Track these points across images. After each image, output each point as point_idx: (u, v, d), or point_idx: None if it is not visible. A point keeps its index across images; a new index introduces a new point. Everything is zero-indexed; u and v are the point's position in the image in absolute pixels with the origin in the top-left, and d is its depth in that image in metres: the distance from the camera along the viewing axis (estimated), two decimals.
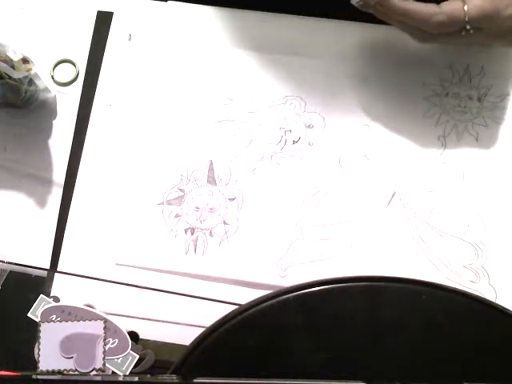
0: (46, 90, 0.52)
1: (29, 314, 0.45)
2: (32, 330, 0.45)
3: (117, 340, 0.44)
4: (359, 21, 0.53)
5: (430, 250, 0.47)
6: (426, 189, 0.49)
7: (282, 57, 0.52)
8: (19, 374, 0.38)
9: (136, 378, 0.42)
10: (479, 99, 0.51)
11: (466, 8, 0.42)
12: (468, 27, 0.43)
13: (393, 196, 0.48)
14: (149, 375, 0.43)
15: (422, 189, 0.49)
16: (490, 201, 0.48)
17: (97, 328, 0.44)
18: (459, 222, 0.47)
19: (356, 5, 0.45)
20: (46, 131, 0.52)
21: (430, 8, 0.43)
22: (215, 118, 0.51)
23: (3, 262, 0.48)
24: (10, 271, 0.48)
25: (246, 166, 0.50)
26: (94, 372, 0.43)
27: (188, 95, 0.52)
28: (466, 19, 0.42)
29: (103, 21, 0.54)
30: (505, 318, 0.42)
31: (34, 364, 0.43)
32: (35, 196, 0.50)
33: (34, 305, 0.45)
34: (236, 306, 0.44)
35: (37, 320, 0.45)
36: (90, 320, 0.44)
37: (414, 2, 0.43)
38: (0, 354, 0.46)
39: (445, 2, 0.43)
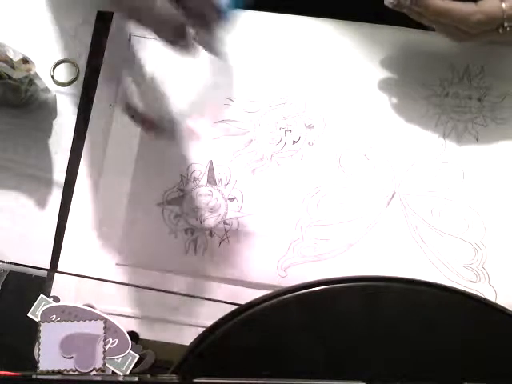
0: (46, 90, 0.52)
1: (29, 314, 0.45)
2: (32, 330, 0.45)
3: (117, 340, 0.44)
4: (359, 21, 0.53)
5: (430, 250, 0.47)
6: (425, 189, 0.49)
7: (282, 56, 0.52)
8: (19, 373, 0.38)
9: (136, 378, 0.42)
10: (479, 99, 0.51)
11: (503, 6, 0.42)
12: (506, 25, 0.43)
13: (393, 196, 0.48)
14: (149, 375, 0.43)
15: (422, 189, 0.49)
16: (490, 201, 0.48)
17: (97, 328, 0.44)
18: (459, 222, 0.47)
19: (389, 5, 0.44)
20: (46, 131, 0.52)
21: (468, 7, 0.42)
22: (215, 117, 0.51)
23: (3, 262, 0.48)
24: (10, 271, 0.48)
25: (246, 166, 0.50)
26: (94, 372, 0.43)
27: (188, 95, 0.52)
28: (504, 17, 0.42)
29: (103, 21, 0.54)
30: (505, 318, 0.42)
31: (34, 364, 0.43)
32: (35, 196, 0.50)
33: (34, 305, 0.45)
34: (236, 306, 0.44)
35: (37, 320, 0.45)
36: (89, 320, 0.44)
37: (452, 2, 0.43)
38: (0, 354, 0.46)
39: (482, 1, 0.43)
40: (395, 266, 0.47)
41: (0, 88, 0.47)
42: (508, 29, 0.43)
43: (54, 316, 0.45)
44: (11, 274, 0.48)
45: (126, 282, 0.47)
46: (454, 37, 0.46)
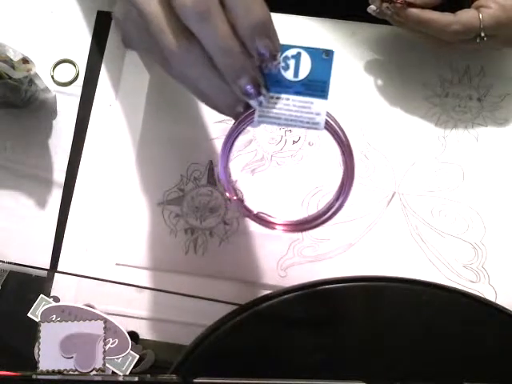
0: (46, 89, 0.52)
1: (29, 314, 0.45)
2: (32, 330, 0.45)
3: (117, 340, 0.44)
4: (359, 21, 0.53)
5: (430, 250, 0.47)
6: (425, 189, 0.49)
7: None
8: (19, 373, 0.38)
9: (136, 378, 0.42)
10: (479, 99, 0.51)
11: (480, 17, 0.43)
12: (482, 35, 0.44)
13: (393, 196, 0.48)
14: (149, 375, 0.43)
15: (422, 189, 0.49)
16: (490, 201, 0.48)
17: (97, 328, 0.44)
18: (459, 222, 0.47)
19: (372, 13, 0.46)
20: (46, 131, 0.52)
21: (446, 17, 0.44)
22: (215, 118, 0.51)
23: (3, 261, 0.48)
24: (10, 271, 0.48)
25: (246, 166, 0.50)
26: (94, 372, 0.43)
27: (188, 95, 0.52)
28: (481, 27, 0.43)
29: (103, 21, 0.54)
30: (505, 318, 0.42)
31: (34, 364, 0.43)
32: (35, 196, 0.50)
33: (34, 305, 0.45)
34: (236, 306, 0.44)
35: (37, 320, 0.45)
36: (90, 320, 0.44)
37: (431, 12, 0.44)
38: (0, 354, 0.46)
39: (460, 11, 0.44)
40: (395, 266, 0.47)
41: (0, 88, 0.47)
42: (485, 39, 0.44)
43: (54, 316, 0.45)
44: (11, 274, 0.48)
45: (126, 282, 0.47)
46: (433, 45, 0.47)
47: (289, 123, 0.33)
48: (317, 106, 0.33)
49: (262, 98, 0.32)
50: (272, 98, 0.33)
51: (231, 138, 0.34)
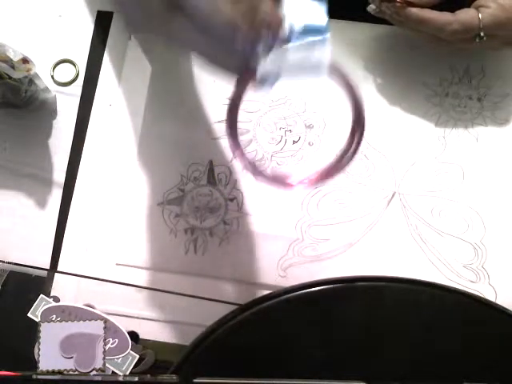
0: (46, 89, 0.52)
1: (29, 314, 0.45)
2: (32, 330, 0.45)
3: (117, 340, 0.44)
4: (359, 21, 0.53)
5: (430, 250, 0.47)
6: (425, 189, 0.49)
7: None
8: (19, 373, 0.38)
9: (136, 378, 0.42)
10: (479, 99, 0.51)
11: (480, 16, 0.43)
12: (482, 34, 0.44)
13: (393, 196, 0.48)
14: (149, 375, 0.43)
15: (421, 189, 0.49)
16: (490, 201, 0.48)
17: (97, 328, 0.44)
18: (459, 222, 0.47)
19: (372, 12, 0.46)
20: (46, 131, 0.52)
21: (445, 17, 0.44)
22: (215, 118, 0.51)
23: (3, 262, 0.48)
24: (10, 271, 0.48)
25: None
26: (94, 372, 0.43)
27: (188, 95, 0.52)
28: (480, 26, 0.43)
29: (103, 21, 0.54)
30: (505, 318, 0.42)
31: (34, 364, 0.43)
32: (35, 196, 0.50)
33: (34, 305, 0.45)
34: (236, 306, 0.44)
35: (37, 320, 0.45)
36: (89, 320, 0.44)
37: (430, 11, 0.44)
38: (0, 354, 0.46)
39: (459, 11, 0.44)
40: (395, 266, 0.47)
41: (0, 88, 0.47)
42: (484, 38, 0.44)
43: (54, 316, 0.45)
44: (11, 274, 0.48)
45: (126, 282, 0.47)
46: (432, 44, 0.47)
47: (292, 75, 0.32)
48: (318, 52, 0.32)
49: (261, 54, 0.32)
50: (272, 52, 0.32)
51: (237, 93, 0.34)
